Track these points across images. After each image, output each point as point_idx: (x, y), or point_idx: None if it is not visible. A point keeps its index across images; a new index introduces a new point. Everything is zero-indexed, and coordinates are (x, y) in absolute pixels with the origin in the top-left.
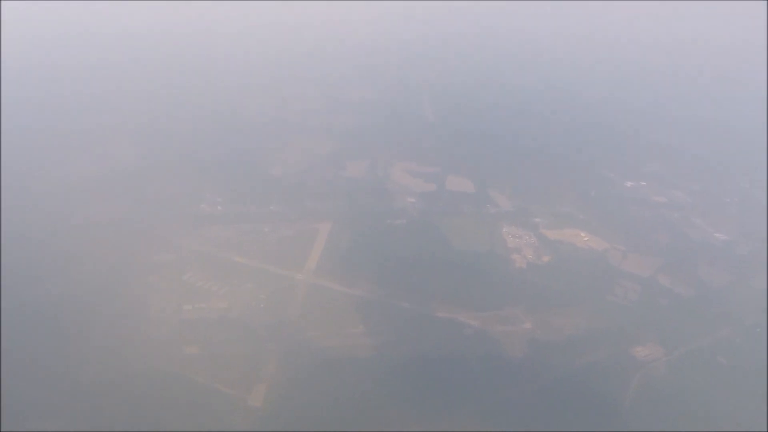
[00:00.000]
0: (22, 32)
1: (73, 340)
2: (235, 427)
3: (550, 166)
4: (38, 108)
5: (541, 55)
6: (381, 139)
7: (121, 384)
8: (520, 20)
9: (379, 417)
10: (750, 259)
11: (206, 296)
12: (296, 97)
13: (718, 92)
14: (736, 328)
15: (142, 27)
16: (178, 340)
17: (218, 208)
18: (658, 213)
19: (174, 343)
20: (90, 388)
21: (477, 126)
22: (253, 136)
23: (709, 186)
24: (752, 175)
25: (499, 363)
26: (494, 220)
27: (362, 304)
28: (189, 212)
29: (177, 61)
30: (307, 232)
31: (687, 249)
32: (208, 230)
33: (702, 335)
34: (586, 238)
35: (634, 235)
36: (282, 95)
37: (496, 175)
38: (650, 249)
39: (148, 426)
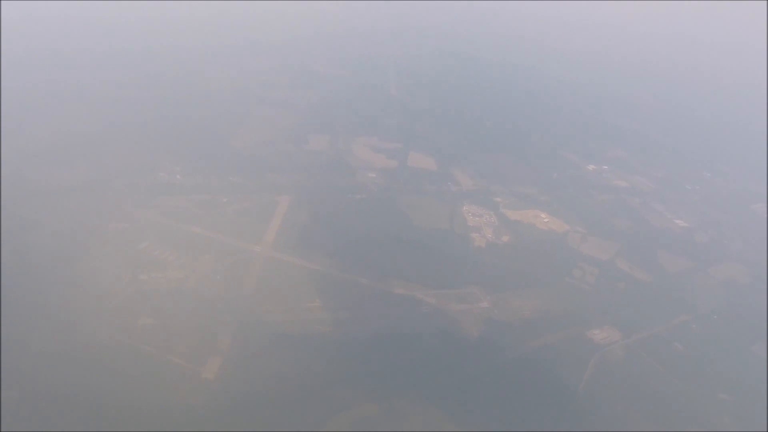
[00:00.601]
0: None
1: (24, 308)
2: (187, 399)
3: (514, 146)
4: None
5: (512, 36)
6: (344, 114)
7: (73, 354)
8: (491, 8)
9: (333, 393)
10: (709, 246)
11: (162, 266)
12: (260, 69)
13: (690, 85)
14: (693, 315)
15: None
16: (133, 311)
17: (177, 177)
18: (619, 198)
19: (128, 313)
20: (41, 358)
21: (442, 104)
22: (214, 106)
23: (672, 173)
24: (715, 165)
25: (455, 341)
26: (455, 198)
27: (320, 278)
28: (147, 181)
29: (140, 28)
30: (267, 205)
31: (646, 234)
32: (166, 200)
33: (659, 321)
34: (546, 220)
35: (595, 219)
36: (246, 66)
37: (458, 153)
38: (610, 233)
39: (100, 397)
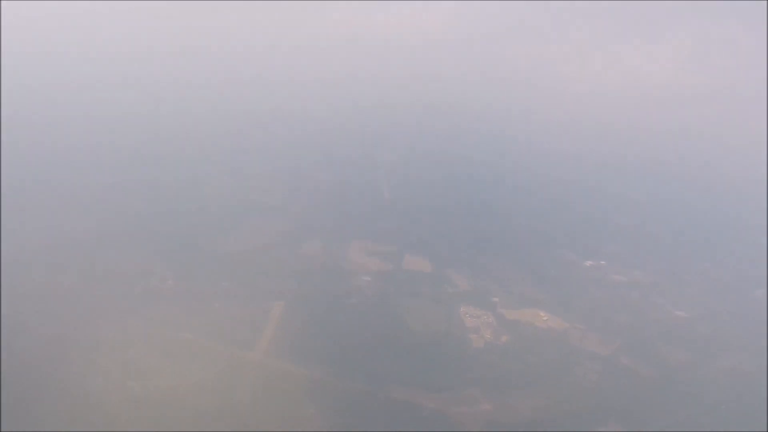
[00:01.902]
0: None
1: (10, 415)
2: None
3: (510, 245)
4: None
5: (500, 132)
6: (337, 218)
7: None
8: (483, 99)
9: None
10: (711, 336)
11: (152, 374)
12: (253, 173)
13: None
14: (700, 408)
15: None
16: (121, 419)
17: (168, 283)
18: (618, 292)
19: (116, 421)
20: None
21: (434, 203)
22: (209, 211)
23: (670, 266)
24: (714, 255)
25: None
26: (452, 299)
27: (315, 385)
28: (138, 286)
29: (134, 124)
30: (260, 311)
31: (647, 328)
32: (157, 306)
33: (665, 415)
34: (545, 318)
35: (594, 315)
36: (239, 169)
37: (453, 254)
38: (610, 328)
39: None
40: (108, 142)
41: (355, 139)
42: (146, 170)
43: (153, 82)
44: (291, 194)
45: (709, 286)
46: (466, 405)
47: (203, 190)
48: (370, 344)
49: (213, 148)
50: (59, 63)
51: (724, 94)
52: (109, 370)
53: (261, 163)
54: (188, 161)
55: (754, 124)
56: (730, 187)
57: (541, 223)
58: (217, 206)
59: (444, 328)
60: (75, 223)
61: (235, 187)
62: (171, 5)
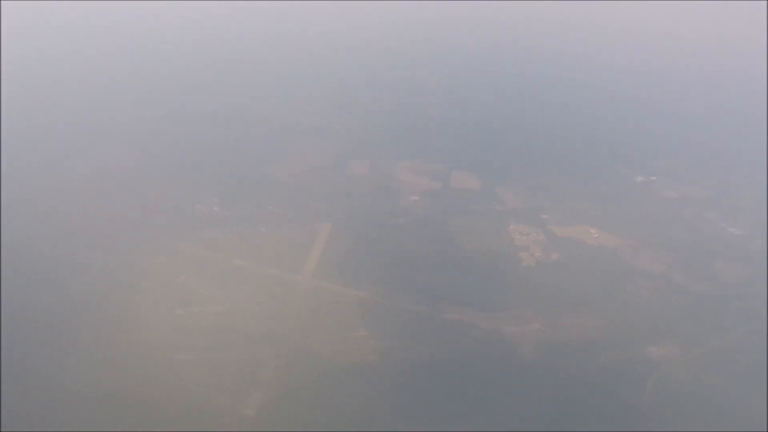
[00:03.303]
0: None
1: (61, 345)
2: None
3: (558, 161)
4: (37, 108)
5: (548, 51)
6: (385, 138)
7: (109, 391)
8: (524, 18)
9: (385, 426)
10: (761, 254)
11: (200, 300)
12: (299, 98)
13: (724, 88)
14: (754, 325)
15: (142, 22)
16: (170, 346)
17: (214, 209)
18: (670, 208)
19: (165, 348)
20: (77, 396)
21: (483, 122)
22: (253, 136)
23: (722, 181)
24: (761, 167)
25: (509, 365)
26: (501, 217)
27: (364, 306)
28: (184, 213)
29: (176, 58)
30: (307, 233)
31: (700, 244)
32: (204, 232)
33: (719, 333)
34: (596, 235)
35: (646, 232)
36: (284, 95)
37: (502, 171)
38: (662, 245)
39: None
40: (151, 72)
41: (401, 60)
42: (189, 100)
43: (200, 16)
44: (337, 116)
45: (761, 202)
46: (516, 324)
47: (247, 116)
48: (419, 264)
49: (255, 74)
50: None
51: None
52: (159, 298)
53: (305, 87)
54: (231, 88)
55: None
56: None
57: (589, 139)
58: (262, 131)
59: (494, 247)
60: (121, 154)
61: (279, 111)
62: None
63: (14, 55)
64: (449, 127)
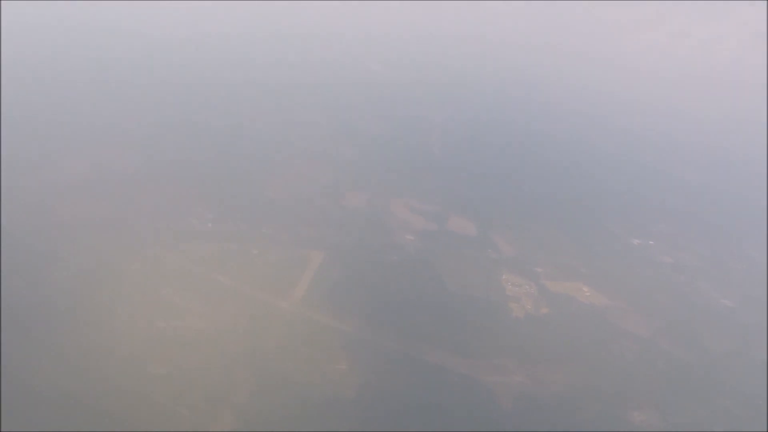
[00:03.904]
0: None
1: (34, 344)
2: None
3: (557, 216)
4: (37, 108)
5: (557, 106)
6: (384, 172)
7: (78, 399)
8: (533, 70)
9: None
10: (753, 328)
11: (182, 314)
12: (303, 123)
13: (725, 161)
14: (736, 399)
15: (144, 29)
16: (146, 358)
17: (208, 225)
18: (664, 273)
19: (141, 360)
20: (45, 399)
21: (485, 167)
22: (254, 156)
23: (717, 250)
24: (761, 243)
25: (486, 415)
26: (495, 265)
27: (347, 339)
28: (178, 225)
29: (182, 69)
30: (298, 259)
31: (689, 312)
32: (195, 246)
33: (701, 404)
34: (587, 293)
35: (638, 294)
36: (289, 118)
37: (500, 219)
38: (653, 310)
39: None
40: (158, 83)
41: (408, 97)
42: (194, 114)
43: (208, 34)
44: (340, 145)
45: (755, 275)
46: (498, 374)
47: (250, 135)
48: (408, 304)
49: (261, 94)
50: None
51: None
52: (139, 307)
53: (313, 113)
54: (237, 106)
55: None
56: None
57: (591, 196)
58: (262, 151)
59: (484, 295)
60: (121, 159)
61: (284, 134)
62: None
63: (21, 54)
64: (448, 169)
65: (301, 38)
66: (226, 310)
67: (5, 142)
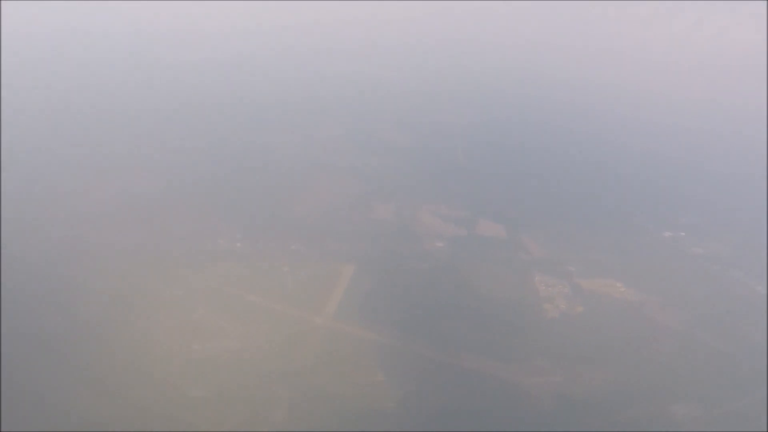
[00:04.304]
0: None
1: (71, 374)
2: None
3: (586, 213)
4: (58, 137)
5: (576, 103)
6: (410, 182)
7: (118, 426)
8: (555, 70)
9: None
10: None
11: (217, 336)
12: (325, 137)
13: (750, 149)
14: None
15: (162, 52)
16: (183, 382)
17: (237, 245)
18: (697, 265)
19: (179, 384)
20: (84, 426)
21: (510, 169)
22: (278, 173)
23: (749, 239)
24: None
25: (527, 417)
26: (526, 267)
27: (383, 351)
28: (206, 247)
29: (201, 90)
30: (329, 274)
31: (725, 302)
32: (225, 267)
33: (743, 394)
34: (622, 289)
35: (672, 288)
36: (310, 133)
37: (529, 221)
38: (688, 302)
39: None
40: (177, 105)
41: (429, 103)
42: (217, 134)
43: (228, 51)
44: (363, 156)
45: None
46: (536, 376)
47: (274, 153)
48: (442, 311)
49: (284, 112)
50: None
51: None
52: (174, 331)
53: (333, 126)
54: (259, 124)
55: None
56: None
57: (618, 192)
58: (288, 168)
59: (518, 297)
60: (145, 183)
61: (306, 150)
62: None
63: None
64: (474, 173)
65: (313, 53)
66: (260, 329)
67: (29, 172)
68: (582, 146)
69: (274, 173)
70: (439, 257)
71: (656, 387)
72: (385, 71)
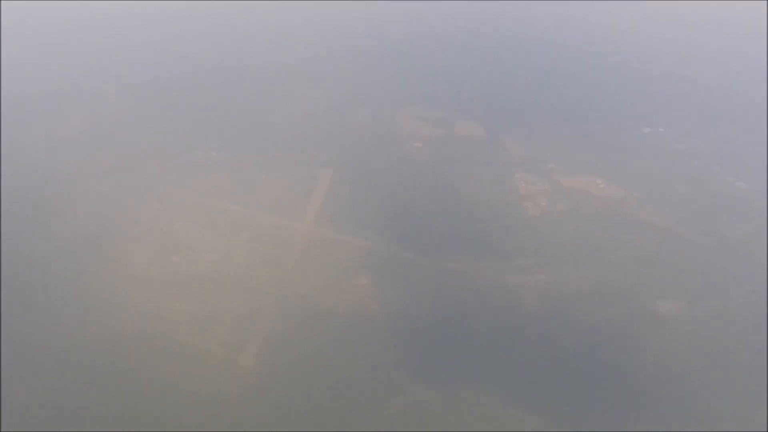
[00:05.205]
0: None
1: (49, 293)
2: (223, 388)
3: (565, 112)
4: (29, 55)
5: (559, 6)
6: (387, 84)
7: (100, 345)
8: None
9: (384, 377)
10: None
11: (196, 248)
12: (297, 43)
13: (727, 45)
14: (760, 282)
15: None
16: (165, 296)
17: (213, 155)
18: (677, 160)
19: (159, 298)
20: (63, 351)
21: (488, 68)
22: (252, 81)
23: (730, 134)
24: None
25: (513, 317)
26: (506, 166)
27: (366, 255)
28: (182, 160)
29: (172, 6)
30: (308, 180)
31: (707, 198)
32: (202, 178)
33: (724, 289)
34: (602, 186)
35: (653, 184)
36: (281, 39)
37: (507, 120)
38: (669, 198)
39: (131, 393)
40: (146, 18)
41: (402, 2)
42: (188, 49)
43: None
44: (336, 61)
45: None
46: (521, 275)
47: (244, 61)
48: (423, 212)
49: (252, 19)
50: None
51: None
52: (153, 245)
53: (303, 32)
54: (227, 33)
55: None
56: None
57: (597, 90)
58: (260, 76)
59: (498, 196)
60: (116, 101)
61: (277, 57)
62: None
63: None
64: (451, 73)
65: None
66: (241, 239)
67: None
68: (561, 48)
69: (248, 81)
70: (418, 158)
71: (639, 284)
72: None
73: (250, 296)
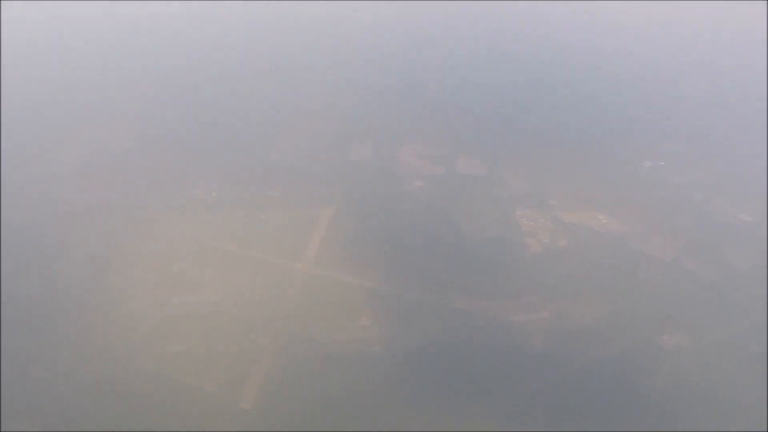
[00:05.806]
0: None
1: (49, 336)
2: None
3: (565, 146)
4: (32, 89)
5: (553, 32)
6: (387, 121)
7: (99, 386)
8: (531, 5)
9: (388, 416)
10: None
11: (197, 288)
12: (297, 80)
13: (726, 76)
14: (761, 314)
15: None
16: (164, 337)
17: (212, 195)
18: (679, 194)
19: (159, 339)
20: (65, 390)
21: (487, 105)
22: (251, 119)
23: (730, 167)
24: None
25: (516, 355)
26: (507, 203)
27: (367, 294)
28: (181, 199)
29: (171, 42)
30: (308, 219)
31: (710, 230)
32: (201, 217)
33: (731, 322)
34: (604, 221)
35: (655, 217)
36: (282, 78)
37: (508, 156)
38: (672, 231)
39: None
40: (150, 56)
41: (402, 39)
42: (188, 83)
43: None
44: (336, 98)
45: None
46: (525, 313)
47: (246, 99)
48: (425, 251)
49: (252, 58)
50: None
51: None
52: (153, 286)
53: (303, 69)
54: (229, 72)
55: None
56: None
57: (596, 123)
58: (260, 114)
59: (500, 234)
60: (115, 137)
61: (278, 94)
62: None
63: (12, 38)
64: (452, 110)
65: None
66: (240, 279)
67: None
68: (558, 80)
69: (247, 119)
70: (420, 197)
71: (644, 318)
72: (356, 9)
73: (250, 336)
